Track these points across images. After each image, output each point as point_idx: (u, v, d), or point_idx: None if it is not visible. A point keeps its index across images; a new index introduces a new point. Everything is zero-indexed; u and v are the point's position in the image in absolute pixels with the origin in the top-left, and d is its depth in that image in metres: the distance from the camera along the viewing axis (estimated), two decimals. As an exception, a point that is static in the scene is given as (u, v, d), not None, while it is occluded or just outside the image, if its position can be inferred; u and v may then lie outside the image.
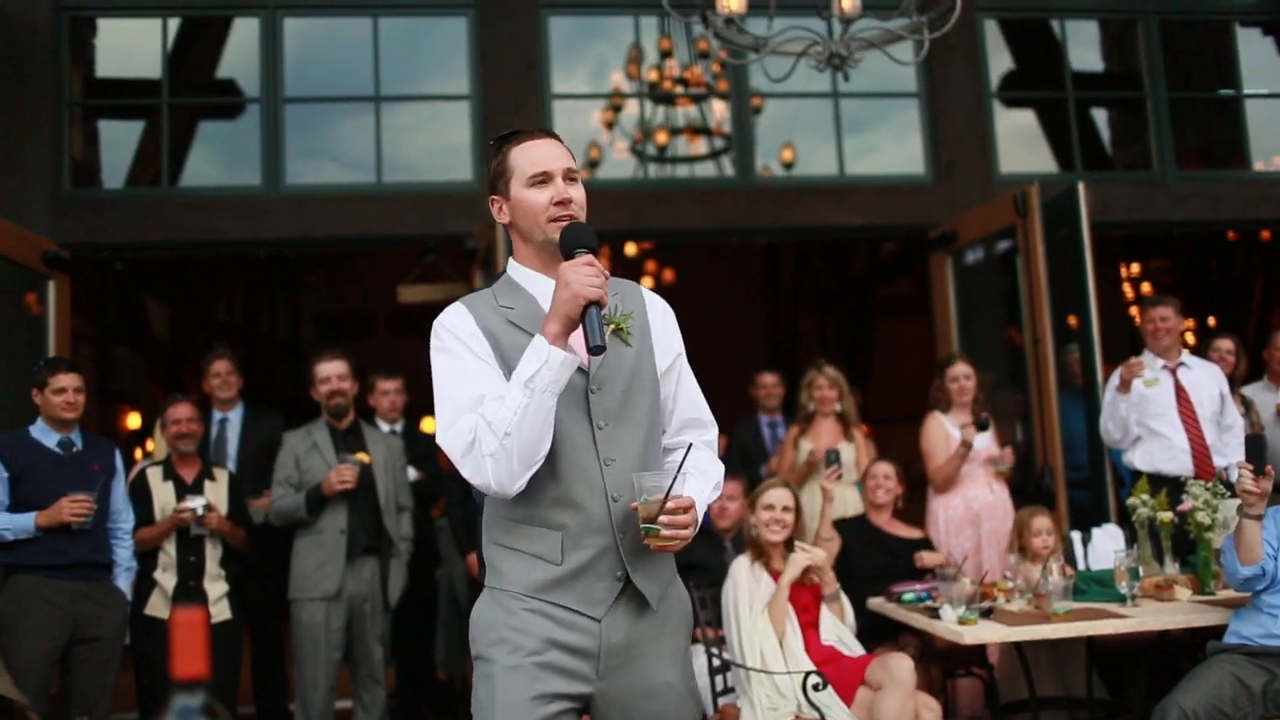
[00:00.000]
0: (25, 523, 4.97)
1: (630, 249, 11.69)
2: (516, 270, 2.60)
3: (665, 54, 8.63)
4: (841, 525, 5.78)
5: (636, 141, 8.47)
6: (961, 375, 6.23)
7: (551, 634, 2.41)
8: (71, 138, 7.68)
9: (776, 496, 4.93)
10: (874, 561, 5.64)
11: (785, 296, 14.24)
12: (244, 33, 7.86)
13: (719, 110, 8.77)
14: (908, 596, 5.16)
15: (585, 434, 2.46)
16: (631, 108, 8.56)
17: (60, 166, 7.22)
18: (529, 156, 2.52)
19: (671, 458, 2.58)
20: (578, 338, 2.39)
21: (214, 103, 8.21)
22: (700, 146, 8.99)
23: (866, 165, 8.18)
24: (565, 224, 2.47)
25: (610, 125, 8.58)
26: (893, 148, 8.42)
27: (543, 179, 2.50)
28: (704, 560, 5.62)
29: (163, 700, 1.21)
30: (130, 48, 8.13)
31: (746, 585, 4.73)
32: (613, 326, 2.47)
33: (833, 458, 5.79)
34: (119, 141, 8.41)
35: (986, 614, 4.71)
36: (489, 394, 2.37)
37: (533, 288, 2.55)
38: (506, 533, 2.49)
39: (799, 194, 7.86)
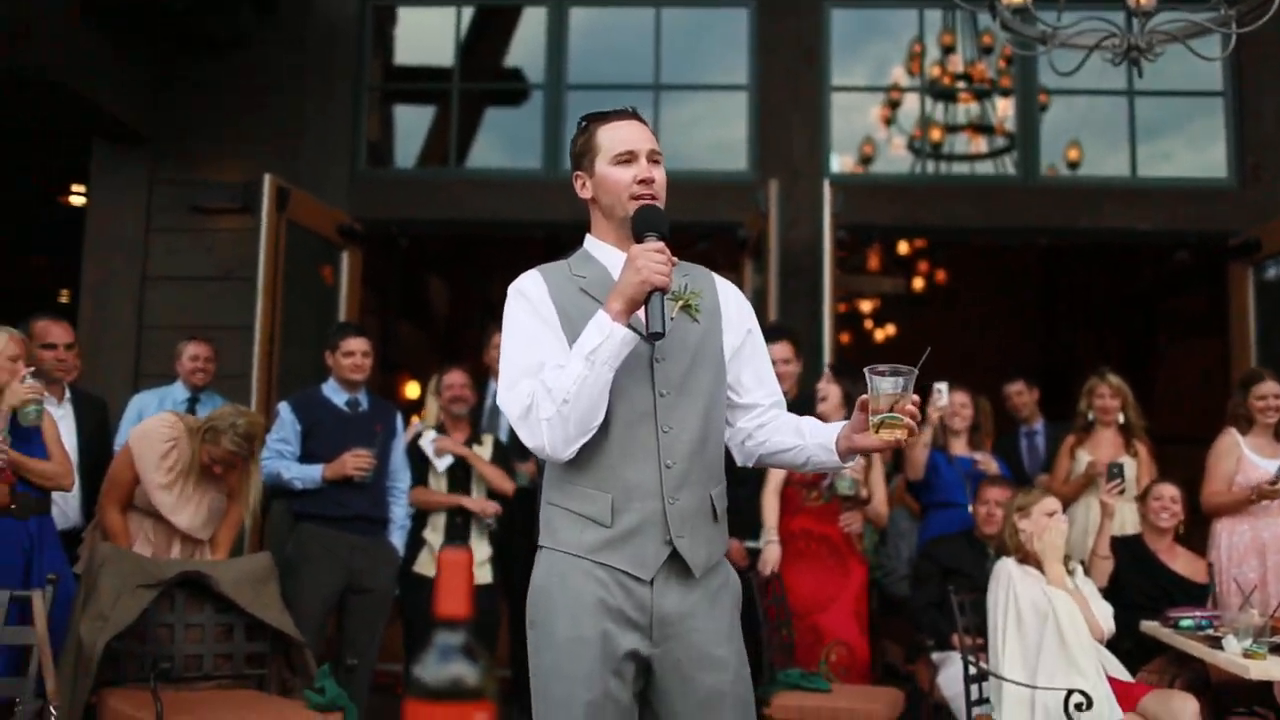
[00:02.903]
0: (313, 473, 5.31)
1: (903, 247, 11.44)
2: (592, 244, 2.70)
3: (948, 49, 8.39)
4: (1116, 544, 5.47)
5: (915, 138, 8.27)
6: (1270, 394, 5.75)
7: (605, 598, 2.48)
8: (369, 121, 8.14)
9: (1055, 504, 4.77)
10: (1146, 592, 5.32)
11: (1063, 306, 13.63)
12: (532, 22, 8.12)
13: (1001, 108, 8.46)
14: (1186, 623, 4.83)
15: (646, 400, 2.53)
16: (910, 103, 8.37)
17: (358, 146, 7.64)
18: (615, 136, 2.62)
19: (778, 424, 2.71)
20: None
21: (501, 89, 8.52)
22: (981, 145, 8.71)
23: (1161, 168, 7.70)
24: (645, 202, 2.55)
25: (889, 122, 8.41)
26: (1191, 150, 7.90)
27: (628, 157, 2.59)
28: (966, 566, 5.45)
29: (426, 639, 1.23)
30: (426, 36, 8.54)
31: (1022, 583, 4.54)
32: (681, 303, 2.58)
33: (1115, 471, 5.48)
34: (412, 125, 8.87)
35: (1276, 649, 4.35)
36: (550, 361, 2.47)
37: (606, 259, 2.64)
38: (560, 492, 2.56)
39: (1085, 195, 7.48)
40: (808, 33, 7.53)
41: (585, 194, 2.67)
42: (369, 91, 7.94)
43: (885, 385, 2.42)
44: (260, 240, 6.34)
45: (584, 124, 2.71)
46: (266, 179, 6.40)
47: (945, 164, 8.54)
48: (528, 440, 2.48)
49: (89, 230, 7.26)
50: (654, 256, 2.40)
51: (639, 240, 2.47)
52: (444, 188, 7.70)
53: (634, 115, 2.69)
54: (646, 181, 2.57)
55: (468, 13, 8.14)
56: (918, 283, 11.80)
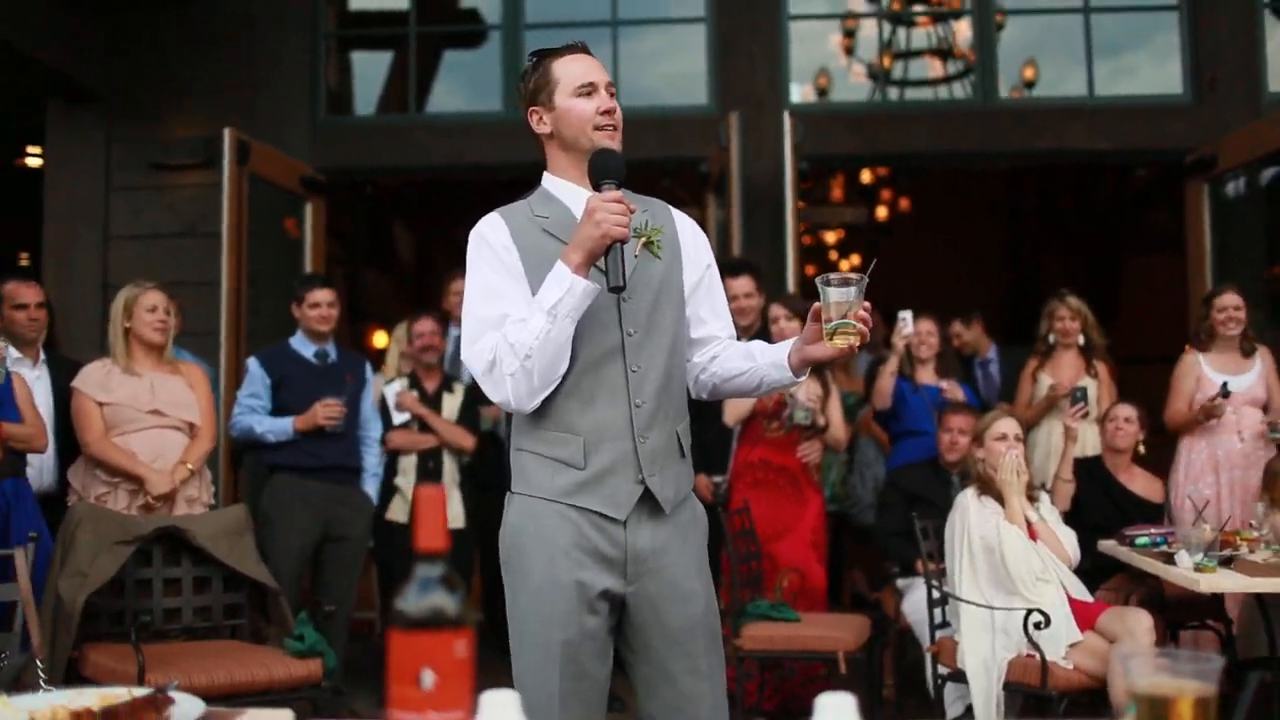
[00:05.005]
0: (285, 426, 5.36)
1: (865, 176, 11.44)
2: (552, 181, 2.67)
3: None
4: (1077, 466, 5.55)
5: (873, 65, 8.24)
6: (1230, 305, 5.80)
7: (579, 539, 2.50)
8: (327, 69, 8.06)
9: (1008, 425, 4.81)
10: (1105, 512, 5.42)
11: (1028, 227, 13.67)
12: (486, -39, 8.06)
13: (961, 32, 8.44)
14: (1142, 540, 4.92)
15: (614, 339, 2.55)
16: (870, 29, 8.34)
17: (316, 95, 7.58)
18: (574, 69, 2.61)
19: (729, 353, 2.73)
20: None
21: (458, 31, 8.45)
22: (940, 69, 8.69)
23: (1118, 86, 7.72)
24: (609, 133, 2.57)
25: (849, 50, 8.38)
26: (1148, 66, 7.92)
27: (589, 89, 2.58)
28: (930, 493, 5.53)
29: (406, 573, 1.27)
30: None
31: (976, 515, 4.61)
32: (643, 240, 2.59)
33: (1079, 395, 5.53)
34: (370, 72, 8.80)
35: (1226, 563, 4.43)
36: (512, 313, 2.49)
37: (566, 197, 2.62)
38: (530, 438, 2.57)
39: (1043, 117, 7.50)
40: (764, -39, 7.47)
41: (544, 129, 2.64)
42: (325, 39, 7.86)
43: (836, 294, 2.43)
44: (223, 195, 6.31)
45: (535, 59, 2.69)
46: (226, 133, 6.36)
47: (906, 90, 8.54)
48: (493, 395, 2.52)
49: (48, 192, 7.21)
50: (612, 207, 2.38)
51: (596, 188, 2.47)
52: (405, 134, 7.66)
53: (586, 50, 2.69)
54: (609, 112, 2.58)
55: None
56: (881, 211, 11.79)
